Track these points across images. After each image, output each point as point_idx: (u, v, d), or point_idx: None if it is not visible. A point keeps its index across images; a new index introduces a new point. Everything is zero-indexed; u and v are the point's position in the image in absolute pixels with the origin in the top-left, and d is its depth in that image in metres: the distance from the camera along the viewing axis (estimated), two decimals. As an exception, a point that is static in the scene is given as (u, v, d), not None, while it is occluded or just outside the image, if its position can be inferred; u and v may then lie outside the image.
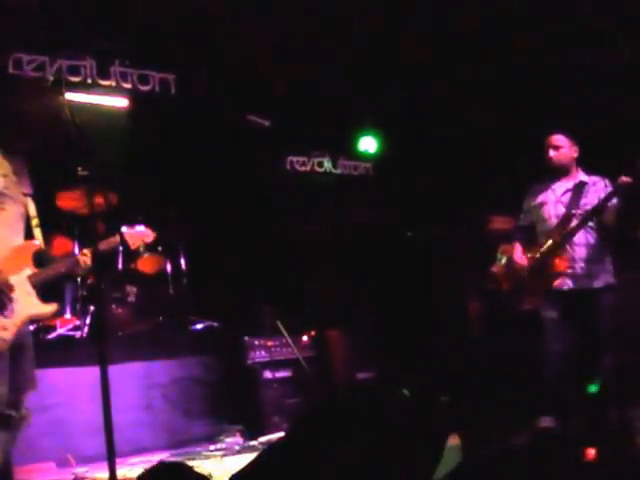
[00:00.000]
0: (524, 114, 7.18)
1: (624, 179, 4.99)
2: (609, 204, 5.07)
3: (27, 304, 3.48)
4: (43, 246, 3.74)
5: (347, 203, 8.55)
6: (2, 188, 3.51)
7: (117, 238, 4.01)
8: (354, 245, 8.20)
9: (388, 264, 8.13)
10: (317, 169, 8.69)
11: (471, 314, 7.23)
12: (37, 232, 3.71)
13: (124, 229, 4.06)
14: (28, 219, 3.69)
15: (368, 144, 8.86)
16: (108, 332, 5.66)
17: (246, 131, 7.35)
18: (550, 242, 5.25)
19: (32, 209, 3.71)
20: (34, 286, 3.54)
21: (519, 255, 5.41)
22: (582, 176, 5.37)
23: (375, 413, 3.59)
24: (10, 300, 3.43)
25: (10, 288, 3.43)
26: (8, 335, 3.36)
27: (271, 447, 3.36)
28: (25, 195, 3.69)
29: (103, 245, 3.87)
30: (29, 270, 3.55)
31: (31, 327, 3.81)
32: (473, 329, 7.19)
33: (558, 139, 5.34)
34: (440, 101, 7.86)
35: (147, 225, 4.21)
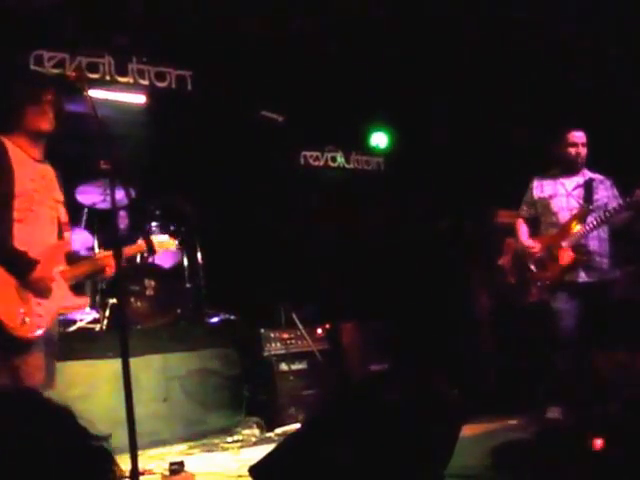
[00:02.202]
0: (532, 110, 7.21)
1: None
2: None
3: (60, 296, 3.67)
4: (72, 248, 3.97)
5: (359, 197, 8.59)
6: (31, 191, 3.64)
7: (142, 245, 4.13)
8: (367, 239, 8.25)
9: (400, 258, 8.17)
10: (330, 164, 8.74)
11: (480, 308, 7.26)
12: (67, 235, 3.87)
13: (153, 237, 4.19)
14: (60, 224, 3.83)
15: (379, 139, 8.92)
16: (127, 325, 5.73)
17: (261, 127, 7.40)
18: (564, 234, 5.29)
19: (63, 215, 3.85)
20: (65, 281, 3.73)
21: (529, 240, 5.44)
22: (589, 173, 5.45)
23: (389, 405, 3.64)
24: (50, 290, 3.61)
25: (52, 279, 3.62)
26: (44, 322, 3.53)
27: (289, 438, 3.42)
28: (56, 202, 3.82)
29: (129, 251, 4.11)
30: (62, 267, 3.73)
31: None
32: (483, 323, 7.22)
33: (583, 136, 5.38)
34: (450, 96, 7.89)
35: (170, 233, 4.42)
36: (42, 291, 3.57)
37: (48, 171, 3.83)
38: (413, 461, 3.39)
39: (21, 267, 3.51)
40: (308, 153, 8.53)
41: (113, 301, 5.91)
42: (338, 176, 8.69)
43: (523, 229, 5.56)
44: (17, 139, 3.70)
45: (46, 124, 3.69)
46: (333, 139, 8.61)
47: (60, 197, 3.87)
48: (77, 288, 3.99)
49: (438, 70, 7.74)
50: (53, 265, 3.67)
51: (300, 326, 6.25)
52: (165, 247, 4.38)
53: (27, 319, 3.45)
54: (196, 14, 6.68)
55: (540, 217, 5.52)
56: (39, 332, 3.50)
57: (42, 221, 3.70)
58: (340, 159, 8.80)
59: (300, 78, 7.60)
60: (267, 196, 7.52)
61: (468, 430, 4.56)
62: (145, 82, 6.87)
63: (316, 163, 8.61)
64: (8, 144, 3.66)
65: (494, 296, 6.79)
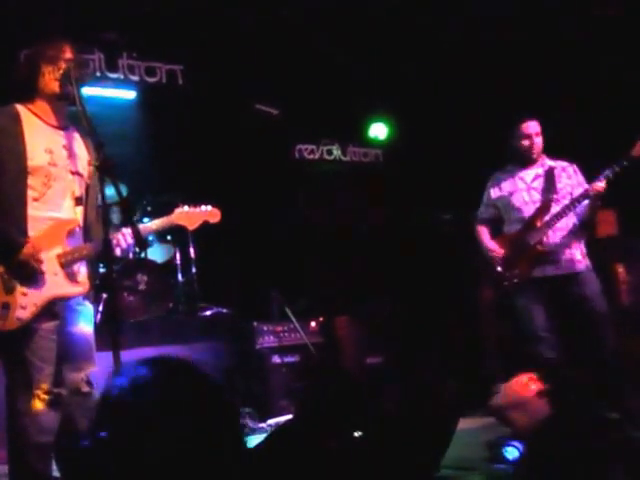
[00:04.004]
0: (532, 99, 7.22)
1: (597, 186, 4.93)
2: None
3: (51, 284, 3.35)
4: (82, 224, 3.56)
5: (357, 190, 8.59)
6: (47, 165, 3.40)
7: (171, 218, 3.74)
8: (363, 232, 8.27)
9: (397, 251, 8.18)
10: (326, 157, 8.70)
11: (483, 300, 7.26)
12: (78, 210, 3.54)
13: (186, 208, 3.77)
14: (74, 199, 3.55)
15: (378, 130, 8.80)
16: (120, 319, 5.75)
17: (255, 120, 7.41)
18: (529, 229, 5.14)
19: (77, 188, 3.54)
20: (62, 265, 3.40)
21: (491, 243, 5.30)
22: (549, 161, 5.28)
23: (385, 397, 3.68)
24: (40, 276, 3.32)
25: (40, 262, 3.32)
26: (25, 315, 3.28)
27: (280, 429, 3.45)
28: (73, 173, 3.52)
29: (154, 226, 3.73)
30: (60, 249, 3.41)
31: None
32: (485, 315, 7.23)
33: (536, 126, 5.22)
34: (450, 86, 7.89)
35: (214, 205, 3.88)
36: (29, 278, 3.29)
37: (71, 138, 3.54)
38: (407, 454, 3.43)
39: (3, 248, 3.29)
40: (303, 146, 8.50)
41: (106, 295, 5.94)
42: (334, 169, 8.66)
43: (484, 232, 5.40)
44: (35, 106, 3.48)
45: (68, 86, 3.41)
46: (329, 131, 8.56)
47: (78, 168, 3.53)
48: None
49: (439, 58, 7.74)
50: (47, 247, 3.36)
51: (293, 319, 6.29)
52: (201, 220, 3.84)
53: (6, 311, 3.22)
54: (186, 7, 6.70)
55: (503, 216, 5.34)
56: (18, 325, 3.26)
57: (56, 197, 3.43)
58: (336, 152, 8.74)
59: (294, 69, 7.61)
60: (261, 191, 7.53)
61: (467, 423, 4.60)
62: (135, 77, 6.91)
63: (311, 156, 8.57)
64: (23, 114, 3.43)
65: (497, 289, 6.81)
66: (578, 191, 5.13)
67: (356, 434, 3.41)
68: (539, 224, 5.10)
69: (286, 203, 7.81)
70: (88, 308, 3.63)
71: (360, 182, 8.69)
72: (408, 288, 7.73)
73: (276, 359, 6.12)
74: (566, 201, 5.10)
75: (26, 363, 3.32)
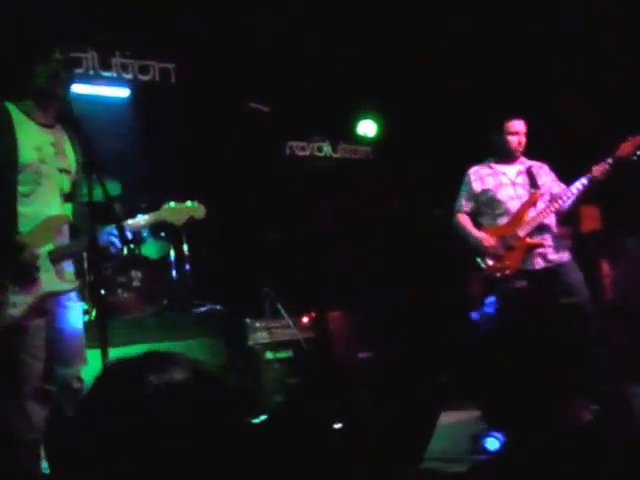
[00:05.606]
0: (519, 96, 7.26)
1: (600, 169, 5.07)
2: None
3: (43, 281, 3.40)
4: (71, 220, 3.63)
5: (347, 187, 8.61)
6: (37, 162, 3.46)
7: (158, 214, 3.79)
8: (354, 228, 8.29)
9: (389, 246, 8.21)
10: (317, 154, 8.72)
11: (472, 294, 7.30)
12: (67, 206, 3.61)
13: (172, 204, 3.79)
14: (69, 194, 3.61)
15: (367, 128, 8.84)
16: (114, 315, 5.78)
17: (247, 118, 7.43)
18: (517, 222, 5.26)
19: (66, 185, 3.61)
20: (53, 262, 3.45)
21: (481, 233, 5.37)
22: (526, 160, 5.46)
23: (370, 391, 3.74)
24: (35, 276, 3.37)
25: (37, 268, 3.37)
26: (17, 312, 3.31)
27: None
28: (61, 171, 3.58)
29: (142, 222, 3.77)
30: (51, 245, 3.46)
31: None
32: (475, 309, 7.26)
33: (524, 125, 5.37)
34: (437, 84, 7.93)
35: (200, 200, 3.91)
36: (23, 278, 3.34)
37: (59, 136, 3.63)
38: (390, 448, 3.49)
39: (5, 252, 3.35)
40: (294, 143, 8.53)
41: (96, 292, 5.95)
42: (325, 166, 8.69)
43: (470, 223, 5.48)
44: (25, 104, 3.54)
45: (57, 85, 3.50)
46: (320, 129, 8.60)
47: (66, 165, 3.61)
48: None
49: (428, 54, 7.77)
50: (38, 244, 3.42)
51: (285, 315, 6.32)
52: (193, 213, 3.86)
53: None
54: (179, 6, 6.73)
55: (483, 209, 5.46)
56: (9, 323, 3.30)
57: (46, 194, 3.48)
58: (327, 149, 8.77)
59: (285, 67, 7.64)
60: (253, 187, 7.55)
61: (451, 417, 4.66)
62: (129, 76, 6.94)
63: (302, 153, 8.60)
64: (13, 112, 3.49)
65: (486, 282, 6.84)
66: (555, 188, 5.34)
67: (336, 426, 3.48)
68: (527, 218, 5.24)
69: (278, 199, 7.83)
70: (77, 304, 3.69)
71: (351, 178, 8.72)
72: (400, 283, 7.77)
73: (268, 355, 6.15)
74: (547, 197, 5.29)
75: (16, 360, 3.36)
